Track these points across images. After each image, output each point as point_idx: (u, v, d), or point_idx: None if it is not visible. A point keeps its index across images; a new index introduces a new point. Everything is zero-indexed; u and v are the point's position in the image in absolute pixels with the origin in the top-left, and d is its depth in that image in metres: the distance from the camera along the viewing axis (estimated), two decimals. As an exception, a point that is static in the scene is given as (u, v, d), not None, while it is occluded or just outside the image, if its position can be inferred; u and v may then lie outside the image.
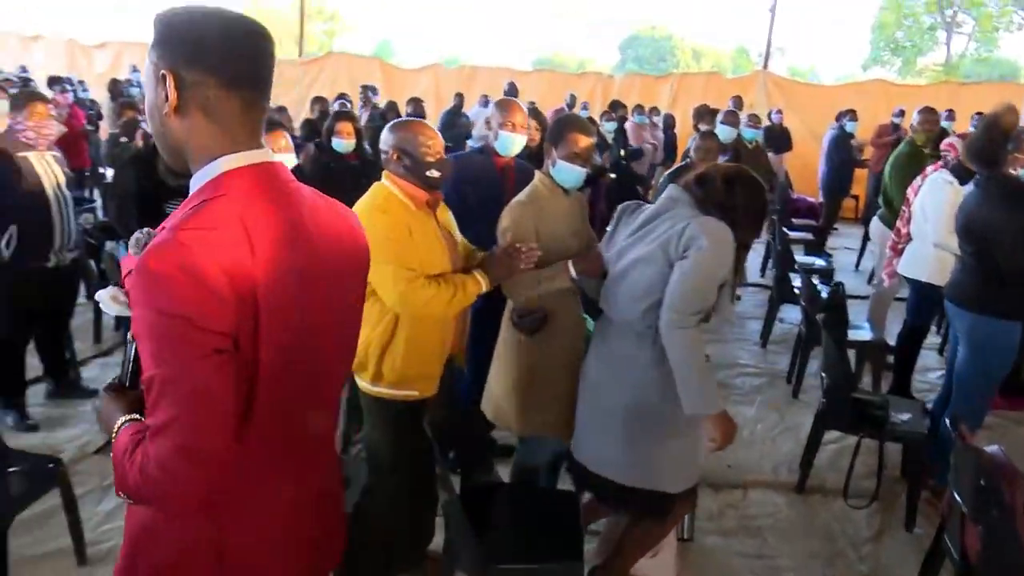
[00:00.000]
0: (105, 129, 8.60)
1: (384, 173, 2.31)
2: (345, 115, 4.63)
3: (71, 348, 4.29)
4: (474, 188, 3.22)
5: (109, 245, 4.95)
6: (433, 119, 9.97)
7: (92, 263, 4.88)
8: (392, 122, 2.39)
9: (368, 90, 9.38)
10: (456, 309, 2.25)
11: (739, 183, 2.22)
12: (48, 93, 8.55)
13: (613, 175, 6.38)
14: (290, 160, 3.50)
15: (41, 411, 3.91)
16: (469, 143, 6.51)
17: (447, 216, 2.44)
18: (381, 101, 10.62)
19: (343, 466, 2.64)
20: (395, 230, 2.16)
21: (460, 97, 10.53)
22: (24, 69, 11.06)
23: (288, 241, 1.07)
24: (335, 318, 1.20)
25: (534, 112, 4.71)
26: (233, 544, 1.13)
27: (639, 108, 9.63)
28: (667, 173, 4.39)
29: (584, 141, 2.55)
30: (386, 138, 2.28)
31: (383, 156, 2.29)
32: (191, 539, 1.12)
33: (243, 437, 1.05)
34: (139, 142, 5.75)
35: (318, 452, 1.27)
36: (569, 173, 2.58)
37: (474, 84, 12.81)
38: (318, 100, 6.55)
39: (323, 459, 1.29)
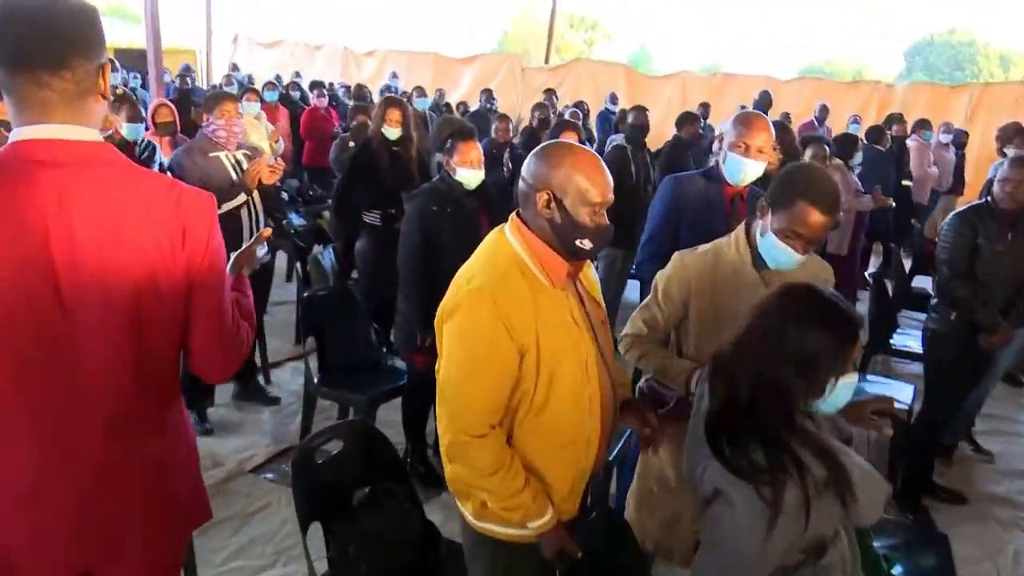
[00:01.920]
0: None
1: (512, 220, 1.62)
2: (571, 125, 4.10)
3: (263, 349, 4.30)
4: (692, 222, 2.59)
5: (316, 249, 4.96)
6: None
7: (299, 264, 4.92)
8: (548, 145, 1.61)
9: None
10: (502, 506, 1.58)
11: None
12: (311, 96, 9.24)
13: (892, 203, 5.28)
14: (476, 177, 3.11)
15: (223, 413, 3.91)
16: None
17: (590, 275, 1.74)
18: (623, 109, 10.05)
19: None
20: (491, 342, 1.48)
21: (705, 107, 9.63)
22: (298, 75, 12.16)
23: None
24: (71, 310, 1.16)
25: (780, 127, 3.84)
26: None
27: (923, 123, 7.94)
28: (954, 214, 3.27)
29: (819, 219, 1.79)
30: (536, 169, 1.54)
31: (521, 191, 1.58)
32: None
33: None
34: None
35: (71, 443, 1.22)
36: (781, 255, 1.86)
37: (726, 93, 11.76)
38: (538, 107, 6.14)
39: (82, 453, 1.23)
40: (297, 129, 8.27)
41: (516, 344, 1.49)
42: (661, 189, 2.85)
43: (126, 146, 4.39)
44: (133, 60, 12.23)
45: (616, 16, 39.70)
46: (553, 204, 1.52)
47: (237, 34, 16.64)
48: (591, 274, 1.75)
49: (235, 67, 12.84)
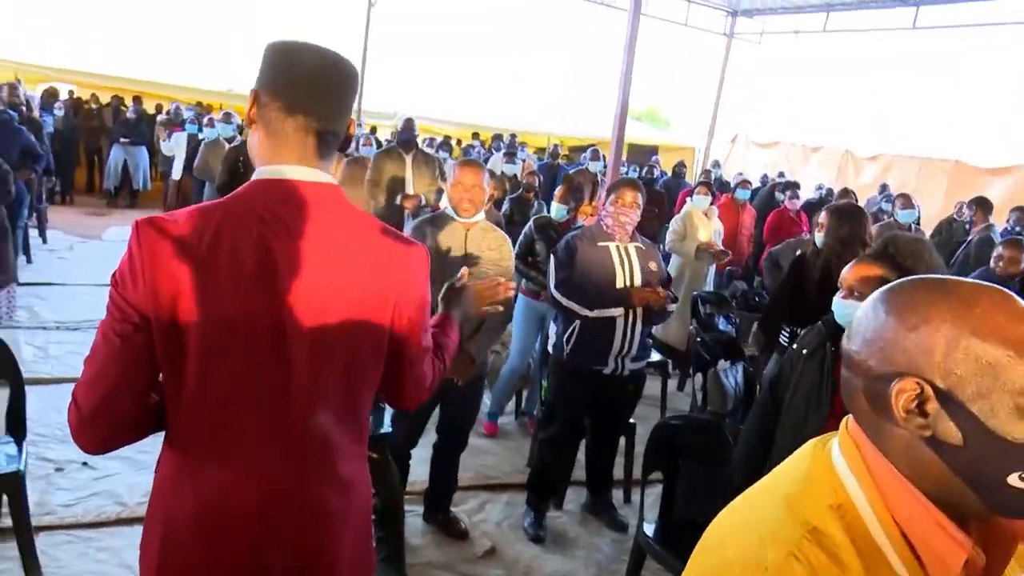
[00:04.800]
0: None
1: (845, 431, 0.81)
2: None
3: (628, 462, 3.80)
4: None
5: (721, 364, 4.27)
6: None
7: (698, 381, 4.30)
8: (904, 284, 0.78)
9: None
10: None
11: None
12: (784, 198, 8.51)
13: None
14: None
15: (564, 523, 3.52)
16: None
17: None
18: None
19: None
20: None
21: None
22: (781, 175, 11.49)
23: (231, 251, 1.13)
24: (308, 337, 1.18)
25: None
26: (171, 520, 1.19)
27: None
28: None
29: None
30: (883, 332, 0.75)
31: (853, 384, 0.78)
32: (154, 504, 1.23)
33: (175, 417, 1.18)
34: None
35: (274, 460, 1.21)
36: None
37: None
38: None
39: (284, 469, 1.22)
40: (762, 229, 7.69)
41: None
42: None
43: (554, 224, 4.44)
44: (638, 155, 13.38)
45: None
46: (935, 407, 0.71)
47: (737, 134, 16.83)
48: None
49: (716, 164, 12.82)
